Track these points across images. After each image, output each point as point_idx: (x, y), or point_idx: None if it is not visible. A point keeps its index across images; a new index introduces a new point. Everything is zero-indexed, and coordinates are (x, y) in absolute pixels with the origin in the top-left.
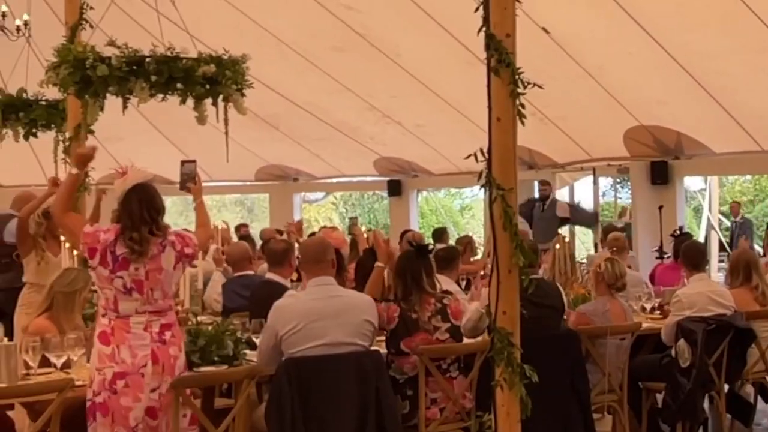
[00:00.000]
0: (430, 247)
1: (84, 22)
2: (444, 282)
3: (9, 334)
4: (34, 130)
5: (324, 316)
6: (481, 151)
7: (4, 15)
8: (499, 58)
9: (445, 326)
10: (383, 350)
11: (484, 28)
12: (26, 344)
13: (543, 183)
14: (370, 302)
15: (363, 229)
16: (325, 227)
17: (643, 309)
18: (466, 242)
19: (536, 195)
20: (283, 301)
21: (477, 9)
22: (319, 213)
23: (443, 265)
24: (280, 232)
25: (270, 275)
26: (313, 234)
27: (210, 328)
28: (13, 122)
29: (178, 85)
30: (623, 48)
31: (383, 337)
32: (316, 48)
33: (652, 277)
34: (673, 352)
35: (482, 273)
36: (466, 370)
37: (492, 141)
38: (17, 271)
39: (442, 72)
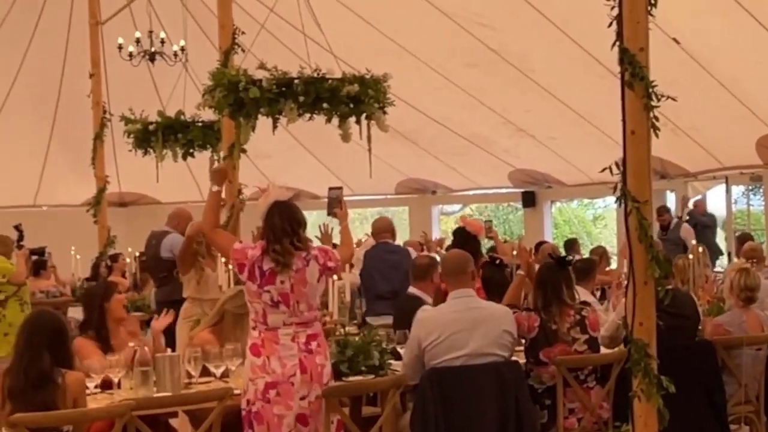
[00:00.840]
0: (569, 258)
1: (236, 47)
2: (581, 293)
3: (170, 345)
4: (191, 150)
5: (465, 327)
6: (616, 163)
7: (162, 41)
8: (633, 72)
9: (584, 338)
10: (522, 360)
11: (617, 43)
12: (188, 355)
13: (660, 212)
14: (509, 313)
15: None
16: (464, 216)
17: None
18: (601, 253)
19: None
20: (425, 313)
21: (610, 24)
22: (456, 224)
23: (581, 276)
24: (422, 246)
25: (413, 290)
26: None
27: (357, 339)
28: (172, 143)
29: (324, 105)
30: (754, 57)
31: (522, 348)
32: (452, 65)
33: None
34: None
35: (618, 282)
36: (603, 381)
37: (626, 154)
38: (174, 285)
39: (575, 86)
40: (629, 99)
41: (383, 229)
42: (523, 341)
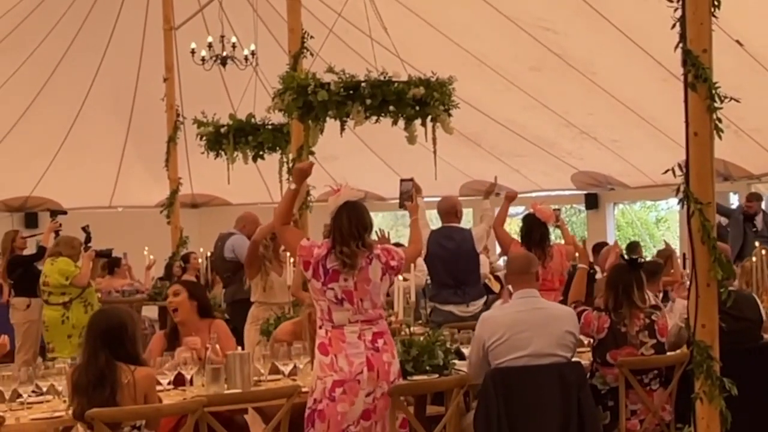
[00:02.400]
0: (641, 260)
1: (305, 51)
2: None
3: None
4: (261, 153)
5: (528, 327)
6: (679, 165)
7: (234, 46)
8: (696, 73)
9: (652, 342)
10: (584, 361)
11: (680, 44)
12: (258, 353)
13: (750, 198)
14: (572, 314)
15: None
16: (535, 202)
17: None
18: (668, 255)
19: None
20: (489, 313)
21: (674, 26)
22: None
23: (647, 278)
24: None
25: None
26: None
27: (422, 338)
28: (243, 145)
29: (391, 108)
30: None
31: (584, 349)
32: (515, 68)
33: None
34: None
35: (681, 283)
36: (666, 383)
37: (690, 156)
38: (237, 286)
39: (638, 89)
40: (692, 101)
41: (448, 210)
42: (591, 340)
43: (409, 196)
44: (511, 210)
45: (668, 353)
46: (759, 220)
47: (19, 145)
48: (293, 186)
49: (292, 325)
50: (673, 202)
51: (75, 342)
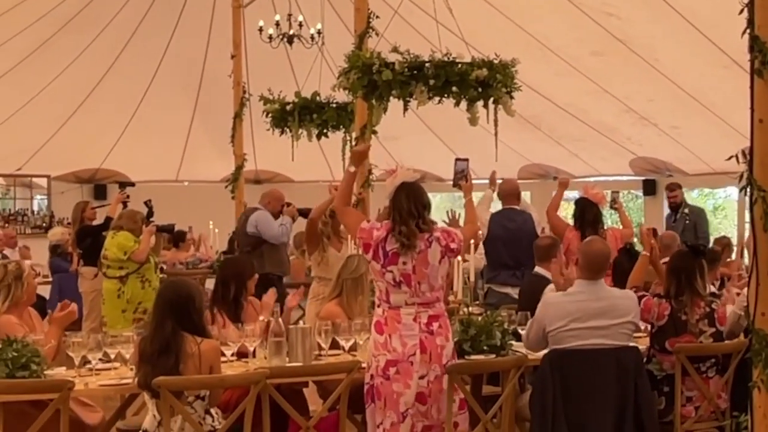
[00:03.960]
0: (703, 247)
1: (370, 31)
2: None
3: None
4: (325, 131)
5: (590, 316)
6: (743, 152)
7: (300, 24)
8: (763, 59)
9: (710, 331)
10: (642, 346)
11: (747, 30)
12: (319, 328)
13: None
14: (634, 302)
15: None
16: (587, 185)
17: None
18: (725, 243)
19: None
20: (554, 298)
21: (741, 11)
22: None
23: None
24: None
25: (538, 269)
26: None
27: (480, 319)
28: (308, 123)
29: (454, 89)
30: None
31: (641, 334)
32: (577, 52)
33: None
34: None
35: (738, 274)
36: (722, 371)
37: (754, 143)
38: (257, 260)
39: (699, 75)
40: (758, 87)
41: (509, 192)
42: (649, 326)
43: (463, 175)
44: (568, 194)
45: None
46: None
47: (89, 119)
48: (352, 169)
49: (336, 306)
50: (732, 190)
51: (129, 317)
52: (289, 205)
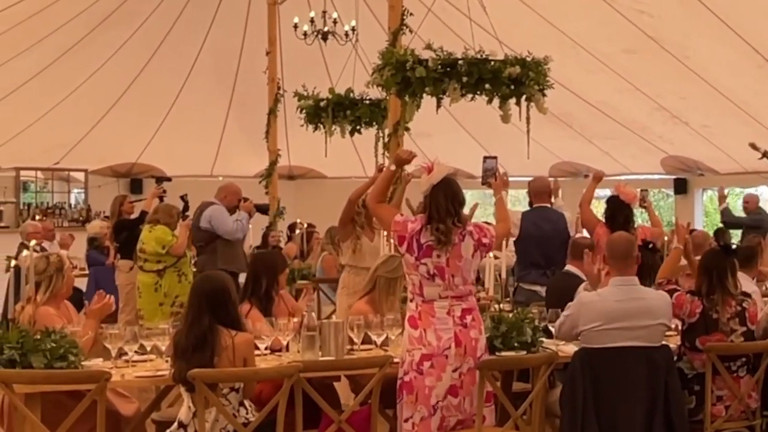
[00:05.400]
0: (735, 246)
1: (404, 28)
2: (743, 279)
3: None
4: (358, 127)
5: (624, 317)
6: (752, 145)
7: (335, 21)
8: None
9: (741, 330)
10: (672, 345)
11: None
12: (351, 323)
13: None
14: (667, 303)
15: None
16: (618, 183)
17: None
18: (757, 242)
19: None
20: (587, 298)
21: None
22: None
23: (744, 263)
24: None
25: (570, 267)
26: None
27: (511, 315)
28: (341, 119)
29: (486, 86)
30: None
31: (672, 333)
32: (609, 50)
33: None
34: None
35: None
36: (753, 370)
37: None
38: (209, 255)
39: (731, 74)
40: None
41: (541, 190)
42: (680, 324)
43: (492, 173)
44: (598, 192)
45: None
46: None
47: (126, 115)
48: (392, 168)
49: (366, 303)
50: (763, 189)
51: (166, 311)
52: (246, 200)
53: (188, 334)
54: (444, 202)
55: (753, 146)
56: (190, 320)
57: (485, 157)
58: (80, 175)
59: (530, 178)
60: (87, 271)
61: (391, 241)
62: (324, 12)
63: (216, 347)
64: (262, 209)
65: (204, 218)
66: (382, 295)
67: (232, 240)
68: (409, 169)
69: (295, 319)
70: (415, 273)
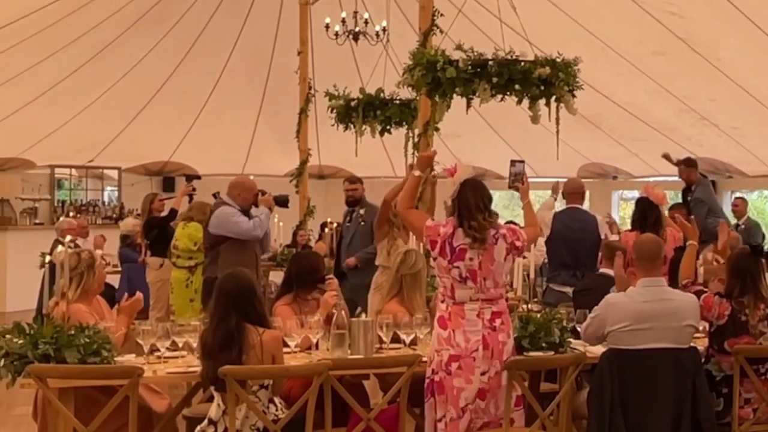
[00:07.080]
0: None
1: (435, 28)
2: None
3: None
4: (388, 127)
5: (651, 318)
6: None
7: (366, 22)
8: None
9: None
10: (700, 347)
11: None
12: (380, 321)
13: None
14: (695, 305)
15: None
16: (647, 184)
17: None
18: None
19: None
20: (615, 298)
21: None
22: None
23: None
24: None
25: (603, 270)
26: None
27: (539, 316)
28: (372, 119)
29: (516, 87)
30: None
31: (700, 334)
32: (639, 51)
33: None
34: None
35: None
36: None
37: None
38: (209, 260)
39: (761, 76)
40: None
41: (574, 190)
42: (708, 325)
43: (520, 178)
44: (627, 194)
45: None
46: None
47: (159, 113)
48: (417, 173)
49: (397, 304)
50: None
51: (197, 306)
52: (264, 193)
53: (215, 333)
54: (473, 199)
55: (666, 157)
56: (217, 319)
57: (512, 161)
58: (114, 173)
59: (562, 179)
60: (120, 268)
61: (421, 244)
62: (355, 12)
63: (243, 345)
64: (281, 201)
65: (211, 225)
66: (411, 293)
67: (248, 240)
68: (437, 168)
69: (317, 317)
70: (447, 276)
